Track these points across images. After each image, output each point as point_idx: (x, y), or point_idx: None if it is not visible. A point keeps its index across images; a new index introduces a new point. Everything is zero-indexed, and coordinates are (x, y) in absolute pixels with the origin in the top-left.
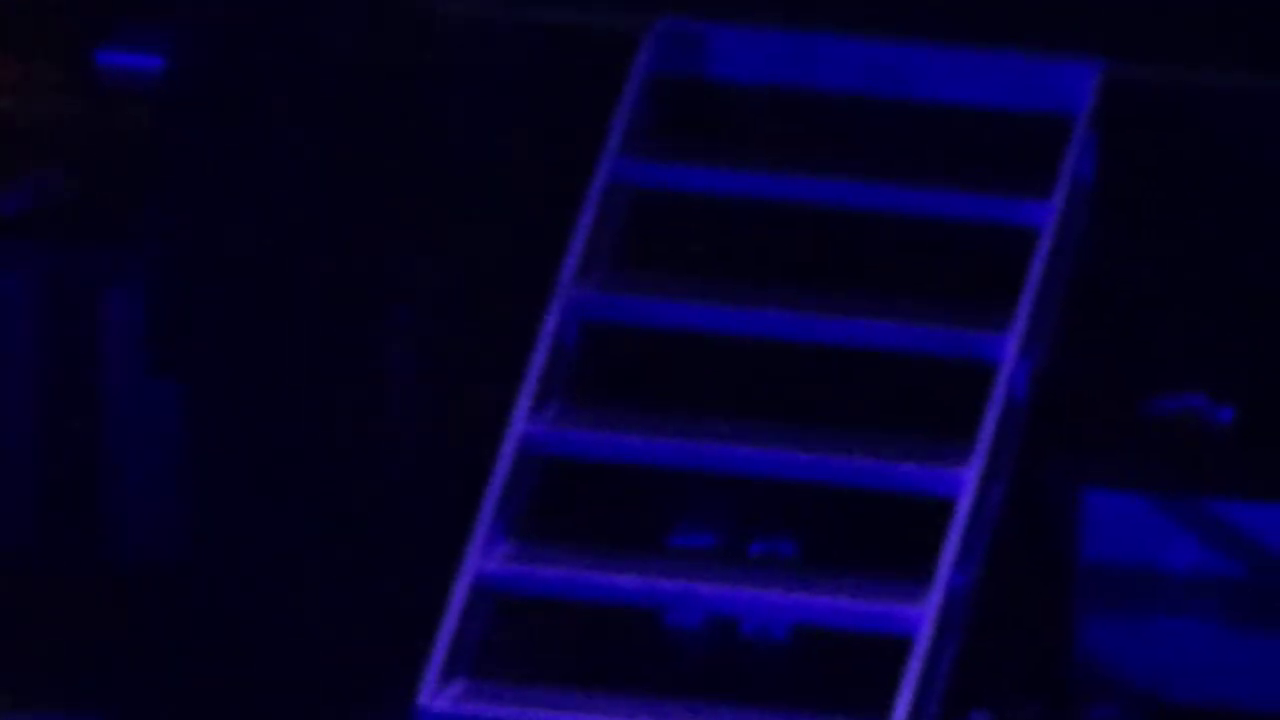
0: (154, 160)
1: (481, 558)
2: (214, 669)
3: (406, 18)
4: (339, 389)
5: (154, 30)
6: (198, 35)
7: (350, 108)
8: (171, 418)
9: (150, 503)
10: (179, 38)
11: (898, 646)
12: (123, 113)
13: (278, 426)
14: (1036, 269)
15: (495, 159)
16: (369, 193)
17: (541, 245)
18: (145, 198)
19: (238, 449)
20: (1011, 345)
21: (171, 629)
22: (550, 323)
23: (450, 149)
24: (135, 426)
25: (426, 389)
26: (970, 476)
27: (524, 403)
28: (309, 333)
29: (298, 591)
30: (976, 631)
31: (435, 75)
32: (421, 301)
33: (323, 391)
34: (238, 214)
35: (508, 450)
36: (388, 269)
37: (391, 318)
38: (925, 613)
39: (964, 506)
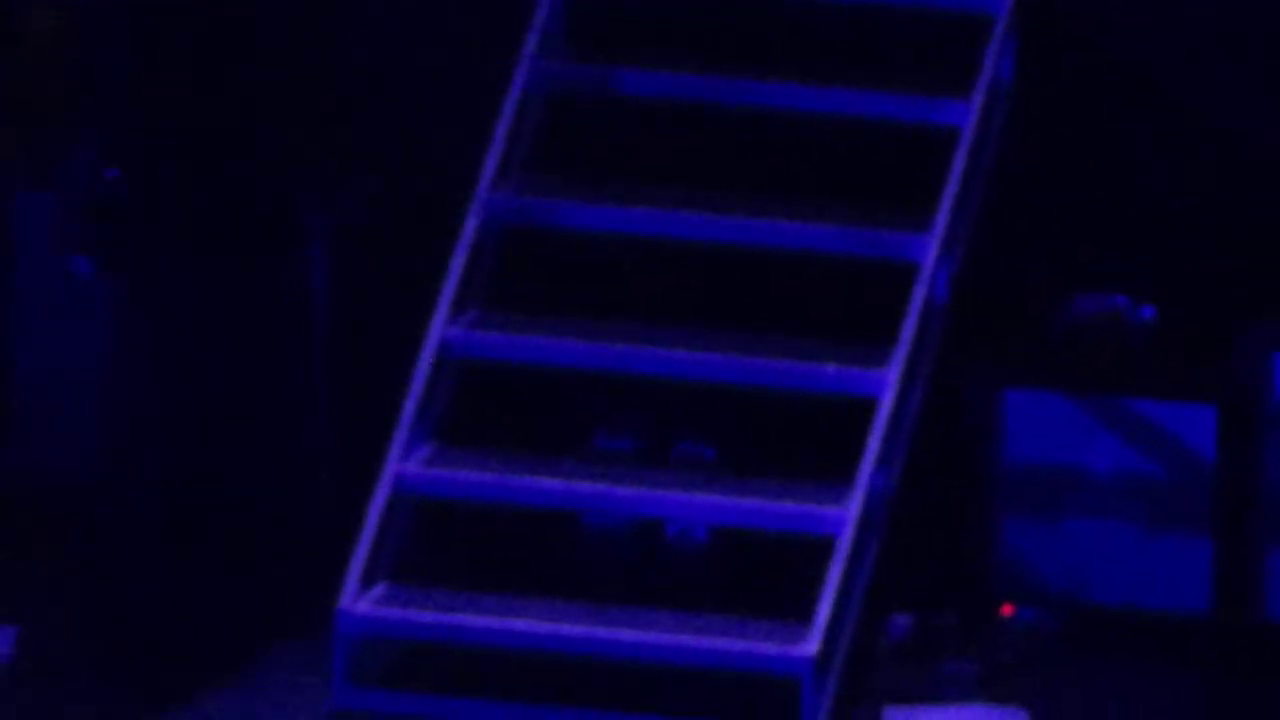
0: (85, 75)
1: (401, 461)
2: (133, 585)
3: None
4: (261, 304)
5: None
6: None
7: (263, 30)
8: (88, 329)
9: (64, 415)
10: None
11: (820, 549)
12: (31, 10)
13: (200, 343)
14: (956, 169)
15: (411, 70)
16: (282, 112)
17: (460, 155)
18: (73, 108)
19: (162, 363)
20: (932, 246)
21: (91, 541)
22: (468, 228)
23: (366, 63)
24: (50, 336)
25: (347, 300)
26: (891, 377)
27: (443, 307)
28: (232, 251)
29: (218, 502)
30: (897, 534)
31: None
32: (342, 215)
33: (244, 306)
34: (156, 140)
35: (427, 354)
36: (307, 184)
37: (312, 232)
38: (847, 514)
39: (885, 407)
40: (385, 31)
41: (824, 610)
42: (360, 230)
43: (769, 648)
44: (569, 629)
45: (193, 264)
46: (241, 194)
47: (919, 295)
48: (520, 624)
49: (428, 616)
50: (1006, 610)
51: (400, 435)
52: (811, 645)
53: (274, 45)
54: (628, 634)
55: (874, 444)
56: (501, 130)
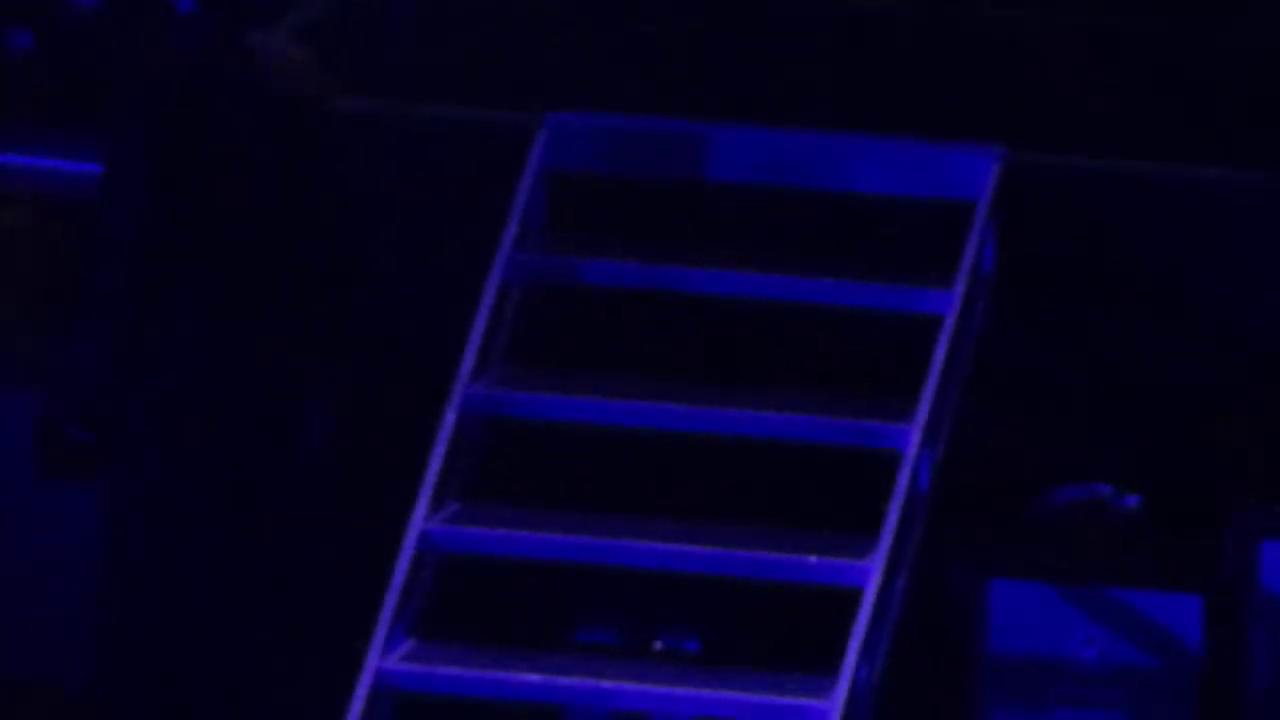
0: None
1: (381, 657)
2: None
3: (303, 118)
4: (240, 507)
5: (42, 130)
6: (130, 150)
7: (250, 208)
8: (66, 526)
9: (42, 612)
10: (113, 152)
11: None
12: (11, 212)
13: (189, 536)
14: (938, 358)
15: (393, 255)
16: (266, 294)
17: (438, 340)
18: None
19: (152, 562)
20: (914, 436)
21: None
22: (447, 420)
23: (346, 247)
24: (27, 535)
25: (332, 491)
26: (874, 568)
27: (422, 501)
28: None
29: (205, 694)
30: None
31: (333, 173)
32: (326, 402)
33: (233, 499)
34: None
35: (406, 548)
36: (292, 371)
37: (300, 419)
38: (831, 707)
39: (868, 599)
40: (370, 215)
41: None
42: (349, 415)
43: None
44: None
45: (181, 455)
46: (235, 387)
47: (902, 485)
48: None
49: None
50: None
51: (380, 631)
52: None
53: (254, 224)
54: None
55: (857, 635)
56: (480, 321)
